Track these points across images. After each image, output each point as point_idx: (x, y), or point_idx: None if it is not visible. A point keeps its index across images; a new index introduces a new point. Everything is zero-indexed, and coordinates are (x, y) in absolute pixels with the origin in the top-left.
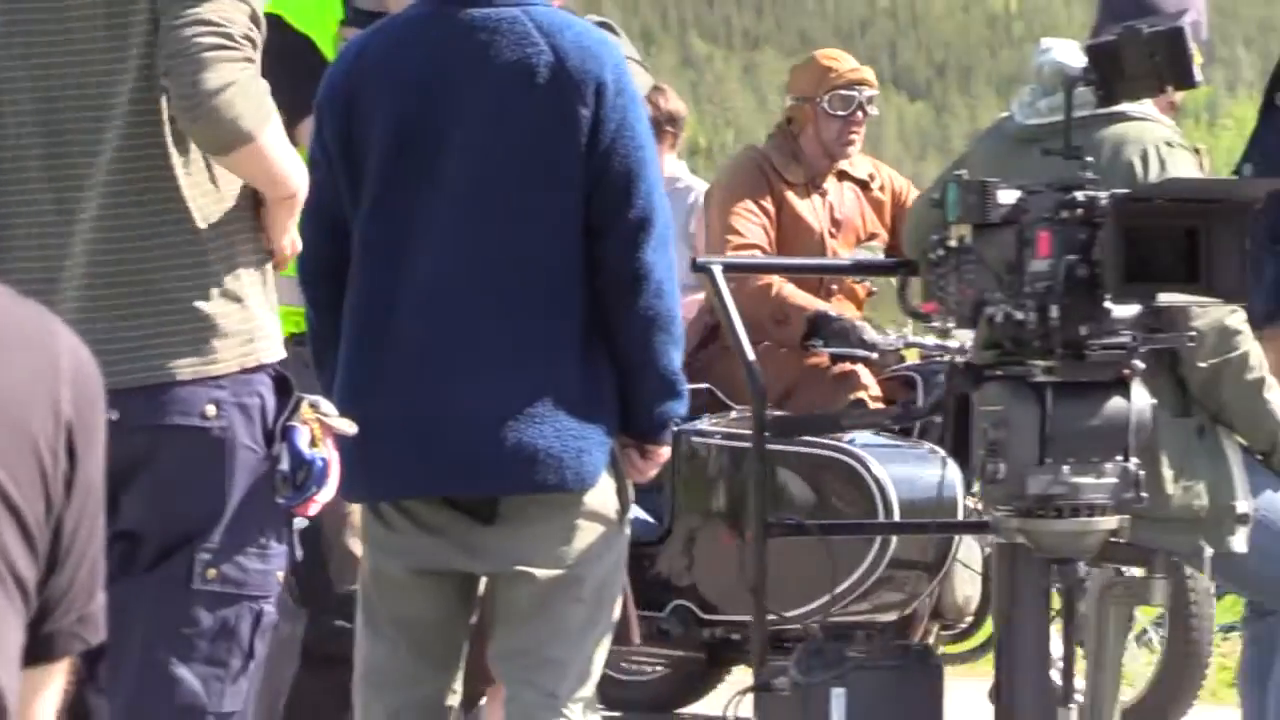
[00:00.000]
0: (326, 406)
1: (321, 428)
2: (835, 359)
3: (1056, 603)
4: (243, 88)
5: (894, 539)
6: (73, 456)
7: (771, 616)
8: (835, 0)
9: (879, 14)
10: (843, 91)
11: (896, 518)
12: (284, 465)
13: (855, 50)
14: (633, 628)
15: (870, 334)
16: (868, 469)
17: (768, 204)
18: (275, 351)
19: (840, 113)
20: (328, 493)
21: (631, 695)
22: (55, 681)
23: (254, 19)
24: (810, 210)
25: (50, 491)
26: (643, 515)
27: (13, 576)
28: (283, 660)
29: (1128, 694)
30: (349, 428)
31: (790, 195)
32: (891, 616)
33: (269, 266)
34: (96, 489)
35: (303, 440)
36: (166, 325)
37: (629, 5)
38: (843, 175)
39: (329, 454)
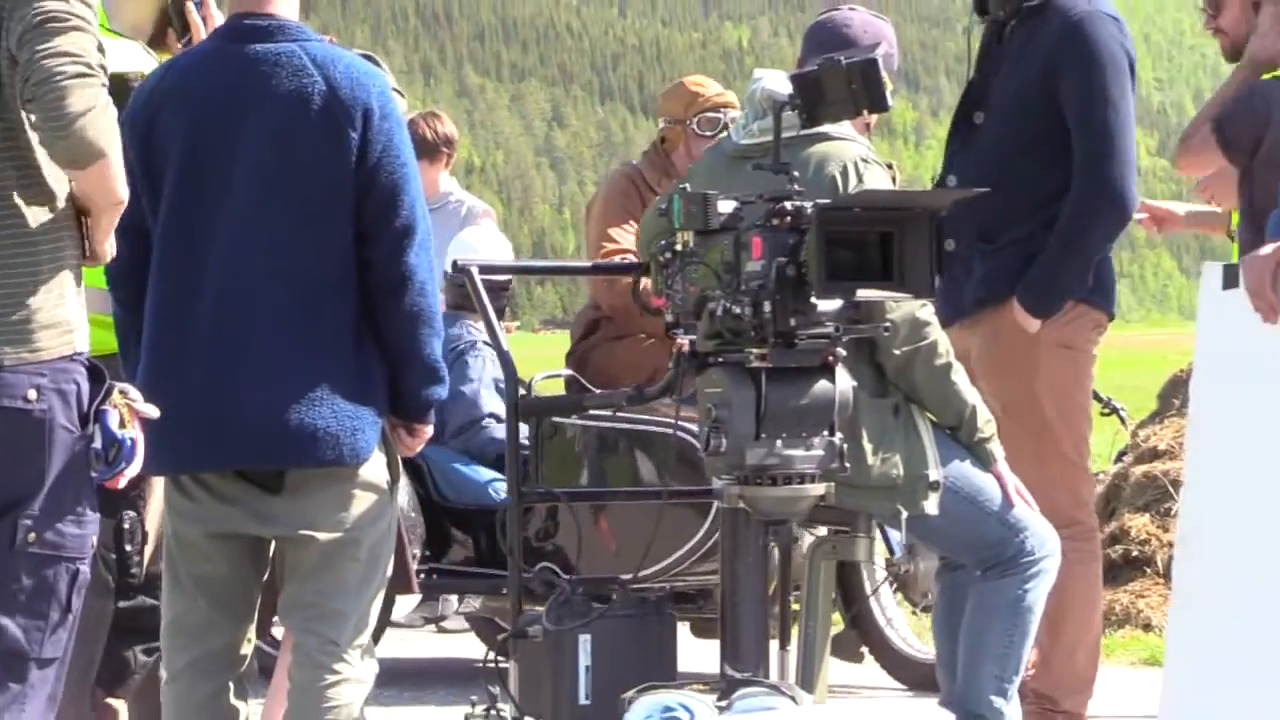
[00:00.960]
0: (134, 393)
1: (129, 411)
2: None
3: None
4: (102, 110)
5: None
6: None
7: (627, 576)
8: (590, 38)
9: (629, 50)
10: (710, 114)
11: None
12: (97, 444)
13: (608, 81)
14: (411, 580)
15: None
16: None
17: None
18: (88, 342)
19: (708, 133)
20: (134, 468)
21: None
22: None
23: (100, 49)
24: None
25: None
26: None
27: None
28: (95, 634)
29: None
30: (153, 412)
31: None
32: None
33: (82, 268)
34: None
35: (114, 422)
36: None
37: (411, 43)
38: None
39: (136, 434)
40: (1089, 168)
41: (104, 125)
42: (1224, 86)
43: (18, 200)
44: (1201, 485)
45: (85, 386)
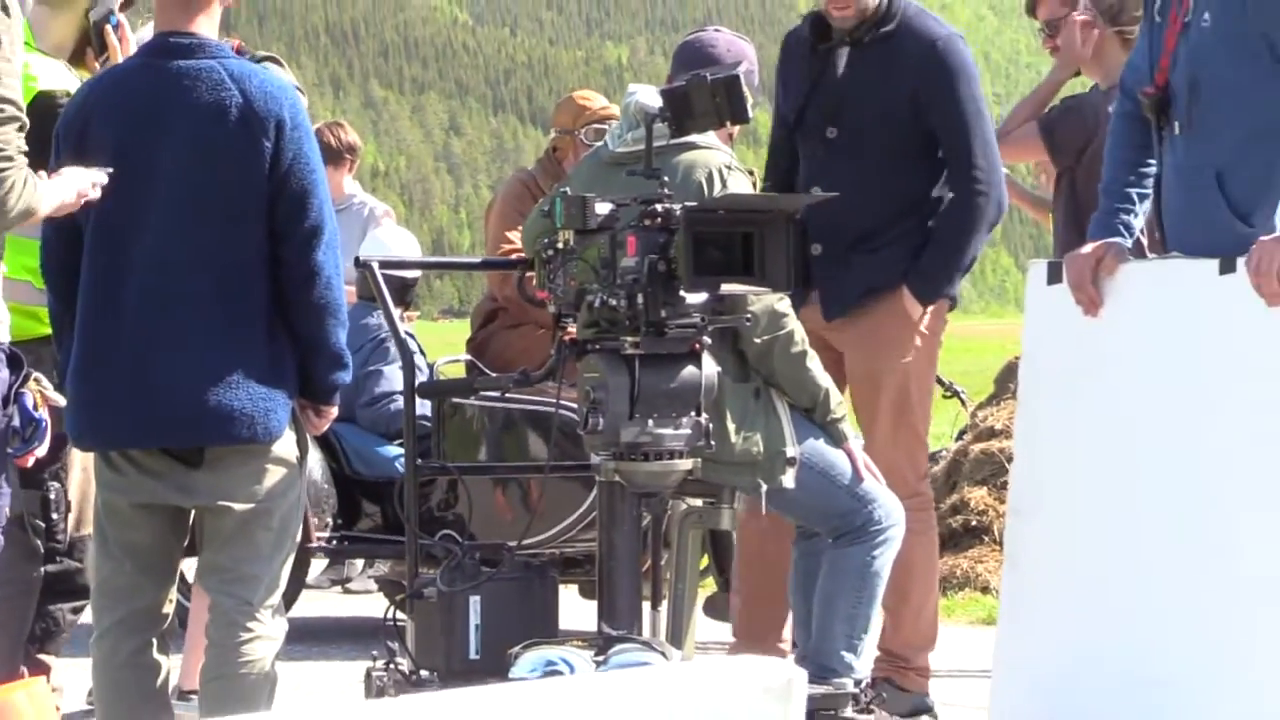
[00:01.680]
0: (45, 381)
1: (41, 398)
2: None
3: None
4: (25, 191)
5: None
6: None
7: (514, 543)
8: (484, 55)
9: (519, 66)
10: (596, 125)
11: None
12: (15, 423)
13: (500, 94)
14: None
15: None
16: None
17: None
18: (8, 333)
19: (594, 143)
20: (43, 449)
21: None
22: None
23: (20, 127)
24: None
25: None
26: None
27: None
28: (27, 597)
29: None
30: (61, 400)
31: None
32: None
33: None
34: None
35: (30, 404)
36: None
37: (321, 59)
38: None
39: (45, 418)
40: (968, 170)
41: (29, 199)
42: (1039, 87)
43: None
44: (1029, 461)
45: (4, 373)
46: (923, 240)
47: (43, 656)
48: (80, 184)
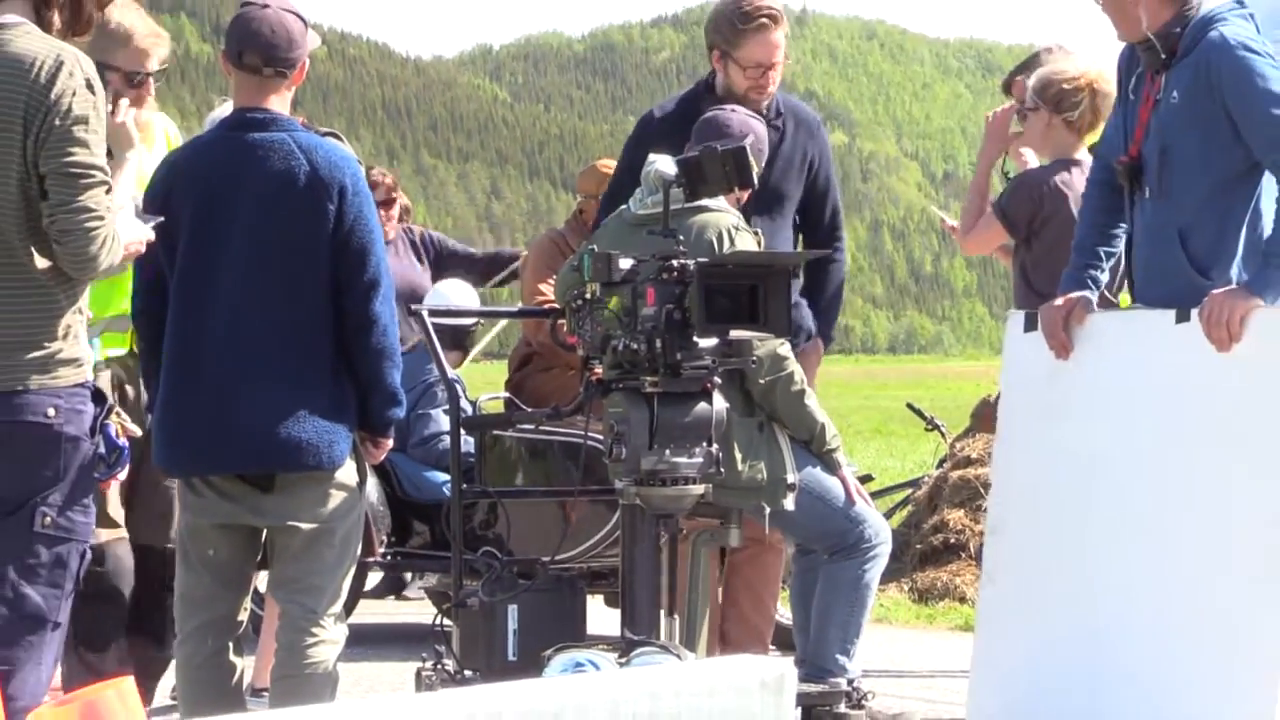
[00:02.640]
0: (124, 414)
1: (122, 428)
2: None
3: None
4: (114, 247)
5: None
6: None
7: (547, 558)
8: (521, 129)
9: (551, 138)
10: None
11: None
12: (101, 450)
13: (535, 163)
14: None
15: None
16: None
17: None
18: (91, 373)
19: None
20: (124, 474)
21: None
22: None
23: (107, 190)
24: None
25: None
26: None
27: None
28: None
29: None
30: (137, 430)
31: None
32: None
33: (86, 316)
34: None
35: (113, 433)
36: (24, 353)
37: (378, 131)
38: None
39: (127, 446)
40: (836, 240)
41: (112, 256)
42: (975, 180)
43: (38, 270)
44: (1005, 486)
45: (90, 406)
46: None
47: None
48: (132, 240)
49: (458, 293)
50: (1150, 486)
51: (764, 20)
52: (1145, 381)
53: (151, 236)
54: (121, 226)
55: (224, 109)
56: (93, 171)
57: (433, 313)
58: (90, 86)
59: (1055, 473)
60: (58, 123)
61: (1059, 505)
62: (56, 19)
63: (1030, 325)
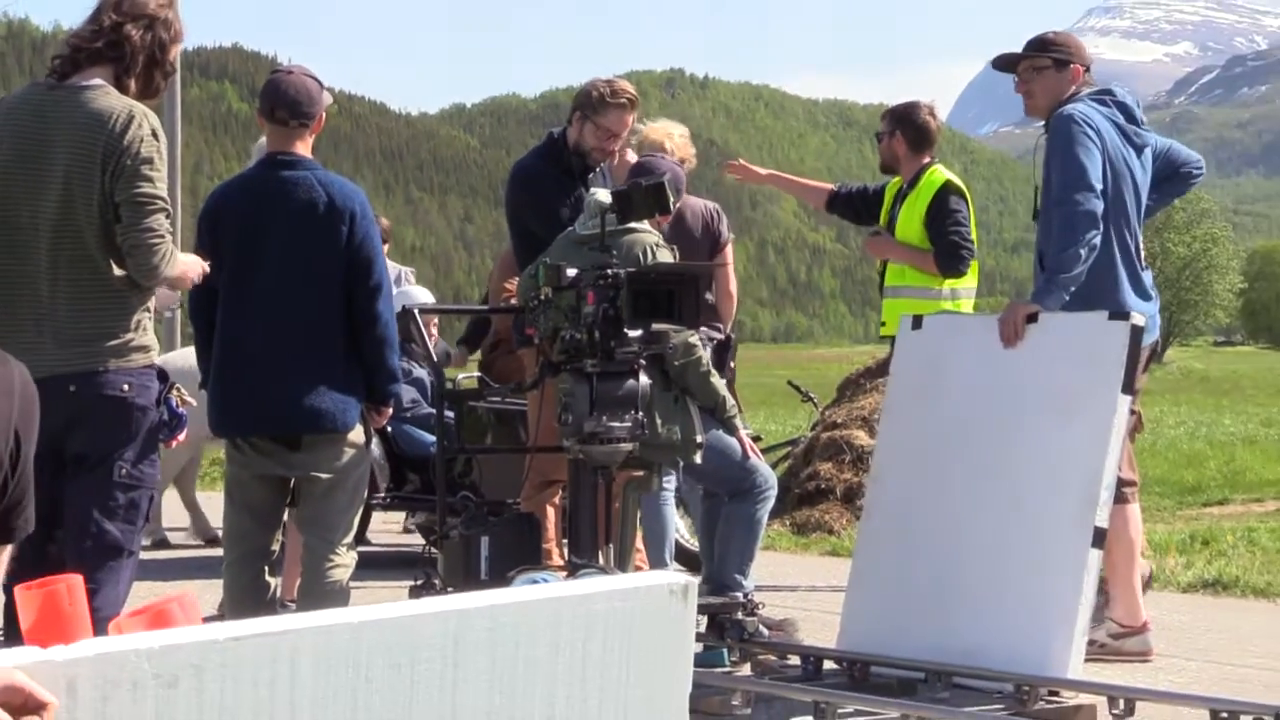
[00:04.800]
0: (182, 389)
1: (181, 399)
2: None
3: None
4: (172, 260)
5: None
6: (18, 440)
7: (512, 500)
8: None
9: None
10: None
11: None
12: (164, 417)
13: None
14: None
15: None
16: None
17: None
18: (156, 358)
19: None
20: (181, 436)
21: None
22: (7, 552)
23: (167, 215)
24: None
25: (4, 459)
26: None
27: None
28: None
29: None
30: (193, 402)
31: None
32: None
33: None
34: (30, 457)
35: (174, 403)
36: (105, 341)
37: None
38: None
39: (185, 414)
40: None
41: (173, 269)
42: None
43: (115, 277)
44: (887, 445)
45: (156, 383)
46: None
47: None
48: (191, 270)
49: (422, 295)
50: (998, 448)
51: (625, 100)
52: (995, 367)
53: (205, 269)
54: (187, 260)
55: (262, 142)
56: (155, 200)
57: (423, 310)
58: (155, 134)
59: (926, 436)
60: (129, 163)
61: (928, 461)
62: (133, 85)
63: (916, 325)
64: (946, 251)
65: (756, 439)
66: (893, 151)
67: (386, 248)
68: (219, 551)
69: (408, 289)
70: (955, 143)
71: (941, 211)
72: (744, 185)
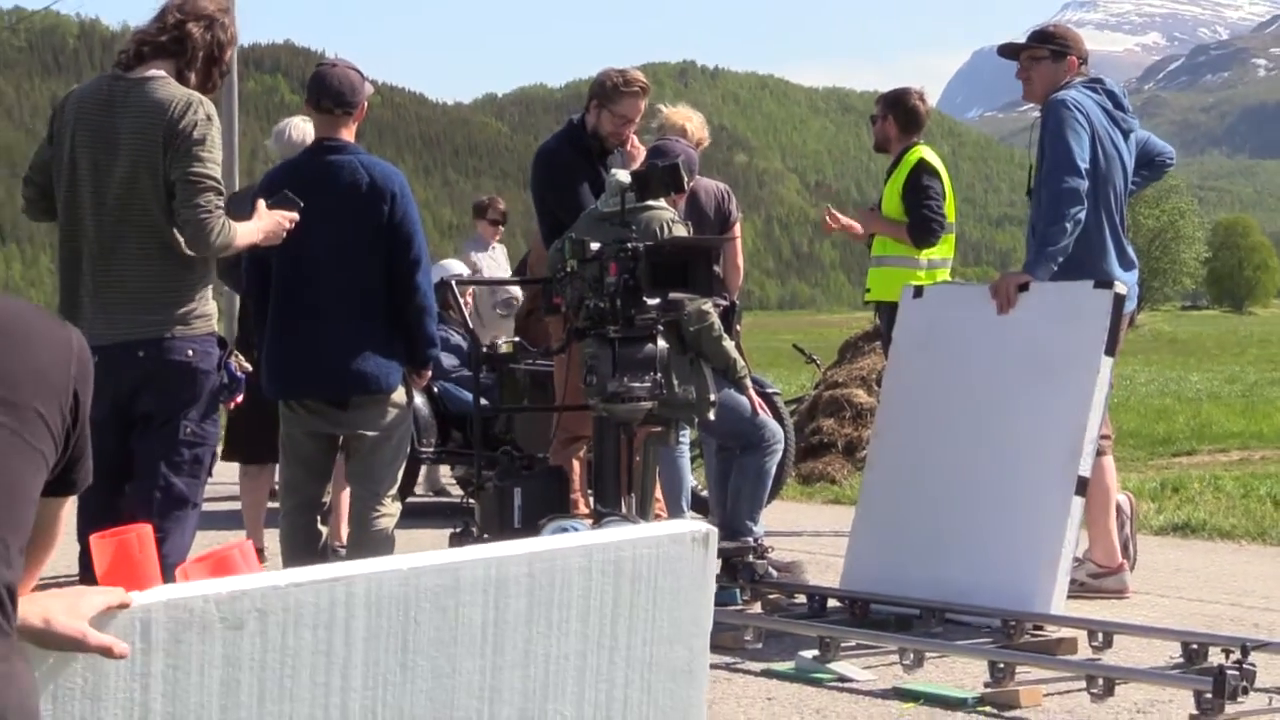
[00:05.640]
0: (240, 356)
1: (240, 363)
2: None
3: None
4: (224, 232)
5: None
6: (76, 399)
7: (543, 455)
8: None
9: None
10: None
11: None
12: (225, 380)
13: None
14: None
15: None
16: None
17: None
18: (217, 325)
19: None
20: (239, 397)
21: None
22: (70, 502)
23: (219, 194)
24: None
25: (65, 417)
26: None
27: (42, 457)
28: None
29: None
30: (249, 367)
31: None
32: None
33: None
34: (87, 414)
35: (235, 368)
36: (171, 310)
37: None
38: None
39: (243, 377)
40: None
41: (224, 238)
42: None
43: (180, 249)
44: (890, 402)
45: (216, 349)
46: None
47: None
48: (271, 227)
49: (455, 265)
50: (991, 405)
51: (638, 89)
52: (989, 332)
53: (295, 216)
54: (259, 221)
55: (280, 125)
56: (206, 179)
57: (459, 282)
58: (209, 119)
59: (926, 395)
60: (183, 144)
61: (926, 418)
62: (193, 79)
63: (918, 294)
64: (918, 224)
65: (774, 394)
66: (885, 133)
67: (501, 228)
68: (273, 504)
69: (444, 262)
70: (944, 126)
71: (915, 188)
72: (752, 167)
